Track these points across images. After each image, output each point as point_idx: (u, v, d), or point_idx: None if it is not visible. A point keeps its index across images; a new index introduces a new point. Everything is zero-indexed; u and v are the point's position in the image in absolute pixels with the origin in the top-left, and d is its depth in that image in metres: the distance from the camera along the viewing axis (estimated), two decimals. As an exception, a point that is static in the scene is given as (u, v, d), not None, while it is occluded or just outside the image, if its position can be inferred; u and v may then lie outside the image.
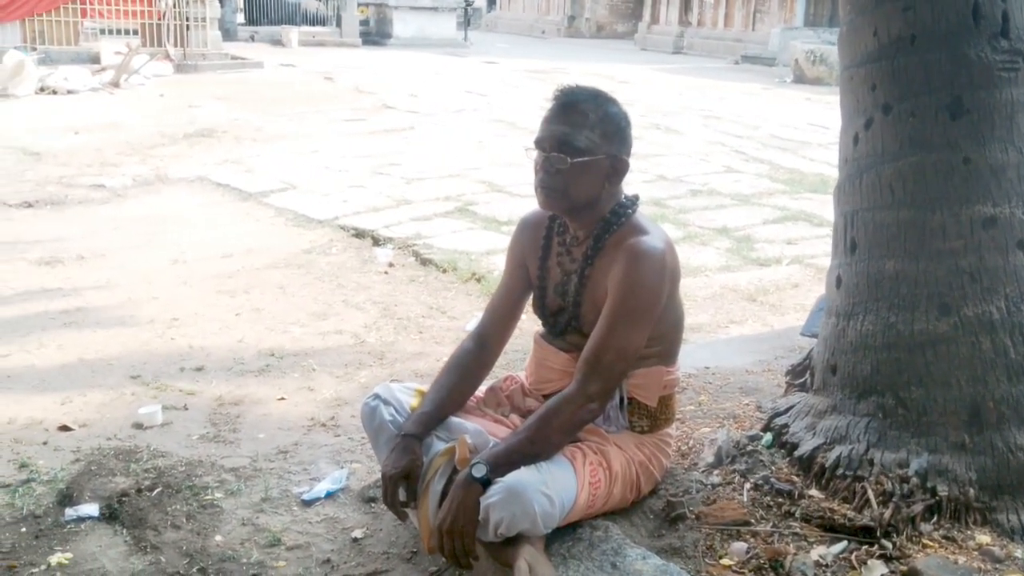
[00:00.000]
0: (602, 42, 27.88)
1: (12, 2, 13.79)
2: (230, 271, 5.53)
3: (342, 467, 3.23)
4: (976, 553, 2.20)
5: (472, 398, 2.61)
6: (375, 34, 23.50)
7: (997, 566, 2.15)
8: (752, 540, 2.29)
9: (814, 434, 2.59)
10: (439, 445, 2.39)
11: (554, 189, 2.38)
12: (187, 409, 3.72)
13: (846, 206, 2.68)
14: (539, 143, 2.39)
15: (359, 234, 6.33)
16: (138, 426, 3.55)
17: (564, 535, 2.30)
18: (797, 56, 17.37)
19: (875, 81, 2.57)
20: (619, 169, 2.39)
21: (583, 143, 2.33)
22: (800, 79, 16.98)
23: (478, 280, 5.34)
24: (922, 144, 2.48)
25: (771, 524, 2.35)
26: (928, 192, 2.46)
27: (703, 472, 2.62)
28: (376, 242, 6.15)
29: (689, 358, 3.61)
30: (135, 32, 15.08)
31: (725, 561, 2.23)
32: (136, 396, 3.82)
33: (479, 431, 2.40)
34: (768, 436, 2.73)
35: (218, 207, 7.10)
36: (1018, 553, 2.20)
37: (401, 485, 2.34)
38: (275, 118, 10.62)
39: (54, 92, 11.53)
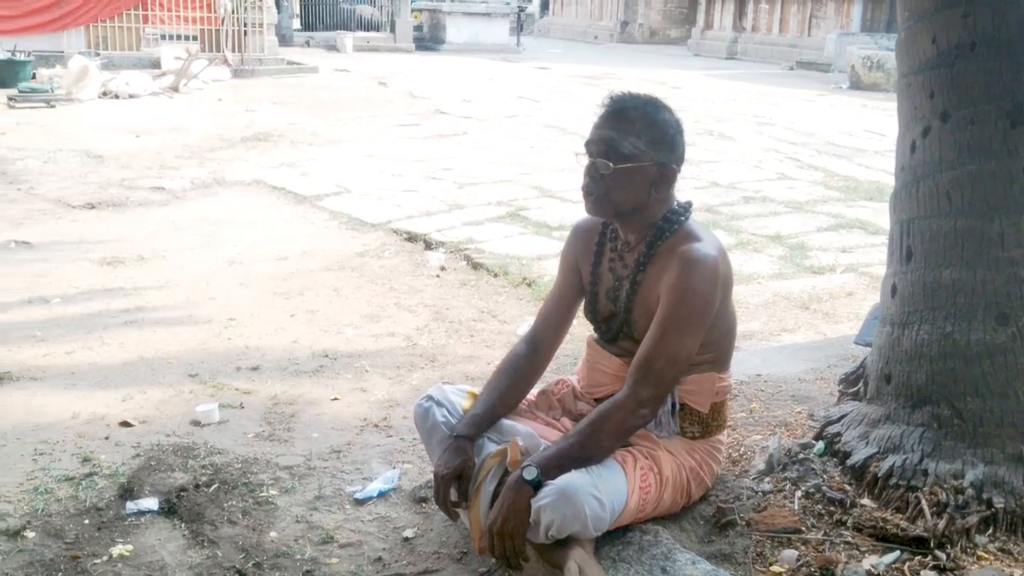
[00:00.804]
0: (655, 47, 27.79)
1: (78, 8, 14.14)
2: (285, 273, 5.62)
3: (394, 467, 3.28)
4: (1032, 566, 2.17)
5: (524, 401, 2.63)
6: (428, 39, 23.68)
7: (1055, 580, 2.12)
8: (803, 548, 2.28)
9: (867, 443, 2.57)
10: (491, 447, 2.42)
11: (598, 194, 2.40)
12: (243, 408, 3.79)
13: (902, 214, 2.66)
14: (587, 147, 2.42)
15: (411, 238, 6.39)
16: (196, 423, 3.63)
17: (614, 538, 2.31)
18: (853, 62, 17.15)
19: (933, 88, 2.55)
20: (666, 176, 2.39)
21: (627, 149, 2.34)
22: (856, 85, 16.77)
23: (529, 285, 5.37)
24: (981, 152, 2.45)
25: (822, 532, 2.34)
26: (987, 200, 2.44)
27: (754, 479, 2.62)
28: (428, 246, 6.21)
29: (741, 365, 3.60)
30: (194, 38, 15.36)
31: (775, 568, 2.22)
32: (194, 394, 3.91)
33: (531, 434, 2.43)
34: (820, 444, 2.72)
35: (274, 210, 7.22)
36: (1077, 567, 2.16)
37: (453, 485, 2.37)
38: (330, 122, 10.76)
39: (116, 96, 11.80)
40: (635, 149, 2.34)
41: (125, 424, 3.61)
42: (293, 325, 4.76)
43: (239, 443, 3.48)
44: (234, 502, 3.04)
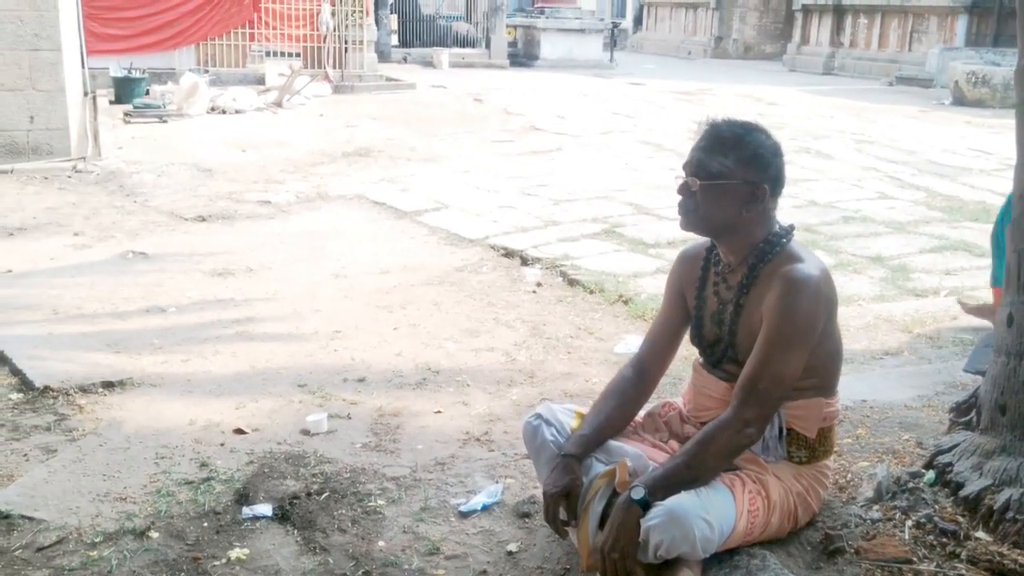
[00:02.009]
0: (750, 63, 27.47)
1: (189, 28, 14.69)
2: (387, 287, 5.76)
3: (497, 481, 3.34)
4: None
5: (631, 423, 2.67)
6: (523, 55, 23.86)
7: None
8: (914, 578, 2.27)
9: (981, 474, 2.53)
10: (599, 467, 2.46)
11: (687, 210, 2.48)
12: (350, 418, 3.91)
13: (1020, 243, 2.62)
14: (683, 168, 2.48)
15: (508, 253, 6.47)
16: (305, 432, 3.76)
17: (722, 561, 2.33)
18: (957, 77, 16.68)
19: (1054, 114, 2.52)
20: (757, 196, 2.42)
21: (716, 167, 2.41)
22: (960, 101, 16.30)
23: (625, 302, 5.39)
24: (1104, 181, 2.41)
25: (935, 564, 2.32)
26: (1108, 231, 2.39)
27: (862, 506, 2.60)
28: (525, 262, 6.29)
29: (845, 390, 3.55)
30: (297, 55, 15.80)
31: (886, 598, 2.21)
32: (303, 404, 4.05)
33: (639, 455, 2.46)
34: (931, 474, 2.69)
35: (375, 224, 7.39)
36: None
37: (561, 504, 2.43)
38: (427, 138, 10.96)
39: (223, 112, 12.22)
40: (723, 168, 2.41)
41: (239, 431, 3.76)
42: (396, 338, 4.88)
43: (347, 453, 3.60)
44: (344, 510, 3.14)
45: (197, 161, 9.45)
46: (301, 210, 7.82)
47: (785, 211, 7.59)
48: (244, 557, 2.89)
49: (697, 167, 2.45)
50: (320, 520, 3.08)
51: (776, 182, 2.46)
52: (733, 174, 2.41)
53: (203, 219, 7.46)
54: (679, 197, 2.52)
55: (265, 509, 3.14)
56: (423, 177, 8.92)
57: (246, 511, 3.13)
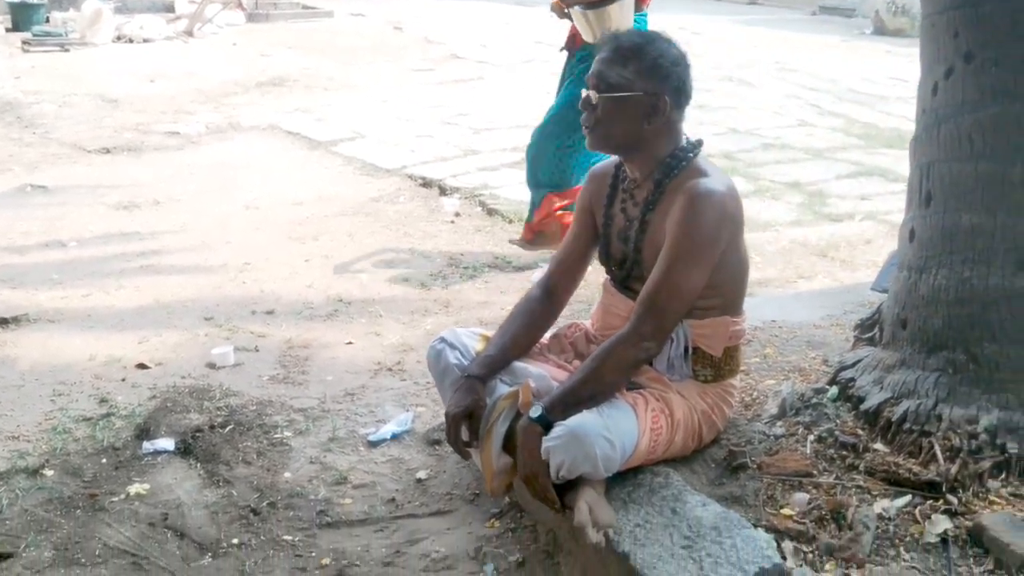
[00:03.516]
0: (675, -8, 27.30)
1: (91, -49, 13.98)
2: (300, 218, 5.62)
3: (407, 410, 3.30)
4: (1045, 511, 2.16)
5: (536, 345, 2.63)
6: (445, -17, 23.31)
7: (1066, 525, 2.11)
8: (814, 491, 2.28)
9: (881, 388, 2.55)
10: (503, 388, 2.42)
11: (590, 126, 2.41)
12: (258, 351, 3.82)
13: (923, 157, 2.61)
14: (586, 80, 2.41)
15: (426, 183, 6.36)
16: (211, 366, 3.66)
17: (625, 480, 2.32)
18: (878, 7, 16.79)
19: (958, 28, 2.49)
20: (659, 107, 2.35)
21: (614, 79, 2.35)
22: (880, 31, 16.43)
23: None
24: (1005, 94, 2.39)
25: (834, 476, 2.34)
26: (1009, 143, 2.38)
27: (766, 423, 2.61)
28: (443, 192, 6.18)
29: (756, 311, 3.57)
30: (209, -19, 15.18)
31: (786, 511, 2.22)
32: (209, 337, 3.93)
33: (543, 376, 2.43)
34: (834, 389, 2.70)
35: (289, 155, 7.19)
36: (1089, 513, 2.15)
37: (464, 424, 2.38)
38: (345, 67, 10.66)
39: (130, 40, 11.71)
40: (622, 79, 2.34)
41: (141, 366, 3.65)
42: (308, 270, 4.77)
43: (254, 385, 3.51)
44: (249, 443, 3.07)
45: (102, 91, 9.06)
46: (212, 141, 7.56)
47: (707, 138, 7.55)
48: (144, 492, 2.82)
49: (598, 80, 2.37)
50: (224, 453, 3.01)
51: (679, 92, 2.39)
52: (633, 85, 2.34)
53: (108, 151, 7.18)
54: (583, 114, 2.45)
55: (167, 444, 3.05)
56: (339, 107, 8.69)
57: (146, 446, 3.04)
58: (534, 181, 4.77)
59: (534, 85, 10.09)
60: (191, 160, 7.00)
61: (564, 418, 2.18)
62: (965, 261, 2.43)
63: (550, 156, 4.64)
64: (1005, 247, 2.37)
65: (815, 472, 2.35)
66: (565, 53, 4.85)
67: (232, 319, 4.12)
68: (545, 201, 4.72)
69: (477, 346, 2.55)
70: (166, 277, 4.63)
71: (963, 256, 2.44)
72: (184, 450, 3.04)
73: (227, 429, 3.13)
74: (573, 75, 4.64)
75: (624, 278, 2.55)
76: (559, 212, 4.70)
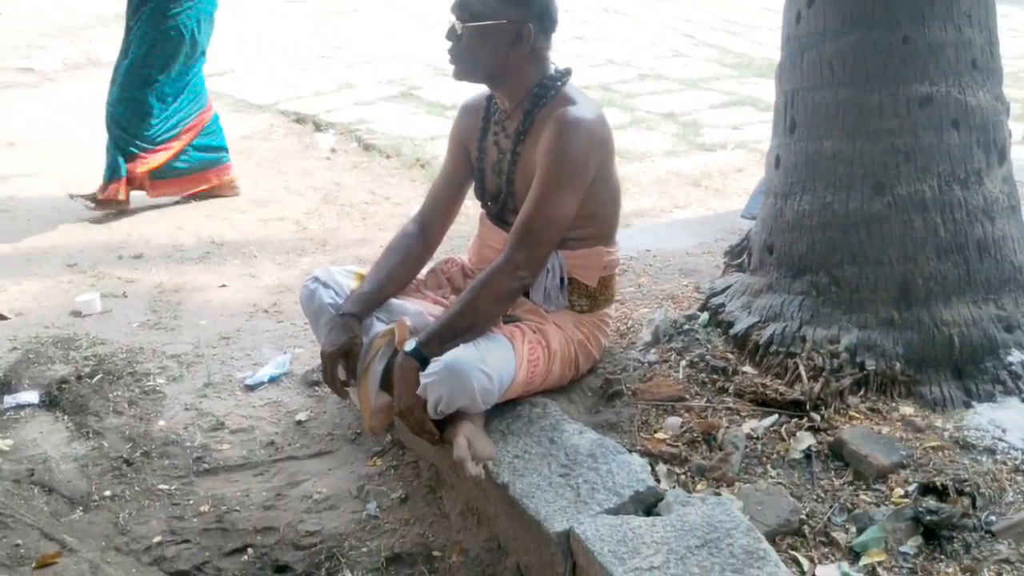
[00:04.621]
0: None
1: None
2: (168, 158, 5.39)
3: (285, 352, 3.24)
4: (899, 424, 2.27)
5: (413, 281, 2.60)
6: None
7: (918, 435, 2.23)
8: (687, 415, 2.34)
9: (749, 313, 2.63)
10: (380, 326, 2.39)
11: (455, 56, 2.37)
12: (126, 297, 3.68)
13: (787, 85, 2.66)
14: (451, 10, 2.35)
15: (300, 119, 6.20)
16: (76, 314, 3.51)
17: (503, 412, 2.33)
18: (750, -63, 17.00)
19: (819, -44, 2.53)
20: (523, 35, 2.32)
21: (477, 7, 2.30)
22: (752, -39, 16.66)
23: (422, 166, 5.28)
24: (863, 22, 2.45)
25: (705, 399, 2.40)
26: (867, 71, 2.45)
27: (641, 351, 2.66)
28: (318, 127, 6.04)
29: (631, 241, 3.63)
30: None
31: (660, 435, 2.28)
32: (73, 284, 3.77)
33: (419, 312, 2.40)
34: (705, 315, 2.77)
35: (154, 92, 6.87)
36: (939, 423, 2.28)
37: (340, 363, 2.34)
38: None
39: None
40: (485, 7, 2.29)
41: (0, 317, 3.47)
42: (177, 211, 4.60)
43: (123, 333, 3.39)
44: (120, 392, 2.97)
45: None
46: (69, 78, 7.18)
47: (584, 70, 7.56)
48: (7, 448, 2.70)
49: (461, 9, 2.32)
50: (93, 404, 2.90)
51: (543, 19, 2.35)
52: (495, 13, 2.29)
53: (-46, 90, 6.74)
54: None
55: (30, 396, 2.93)
56: (208, 40, 8.34)
57: (8, 400, 2.91)
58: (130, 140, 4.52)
59: (411, 15, 9.90)
60: (48, 99, 6.63)
61: (441, 353, 2.16)
62: (827, 186, 2.51)
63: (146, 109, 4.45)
64: (863, 172, 2.46)
65: (687, 396, 2.41)
66: None
67: (97, 265, 3.95)
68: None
69: (352, 284, 2.50)
70: (24, 224, 4.40)
71: (825, 182, 2.51)
72: (49, 403, 2.92)
73: (95, 379, 3.02)
74: (139, 17, 4.38)
75: (499, 211, 2.54)
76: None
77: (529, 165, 2.37)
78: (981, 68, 2.48)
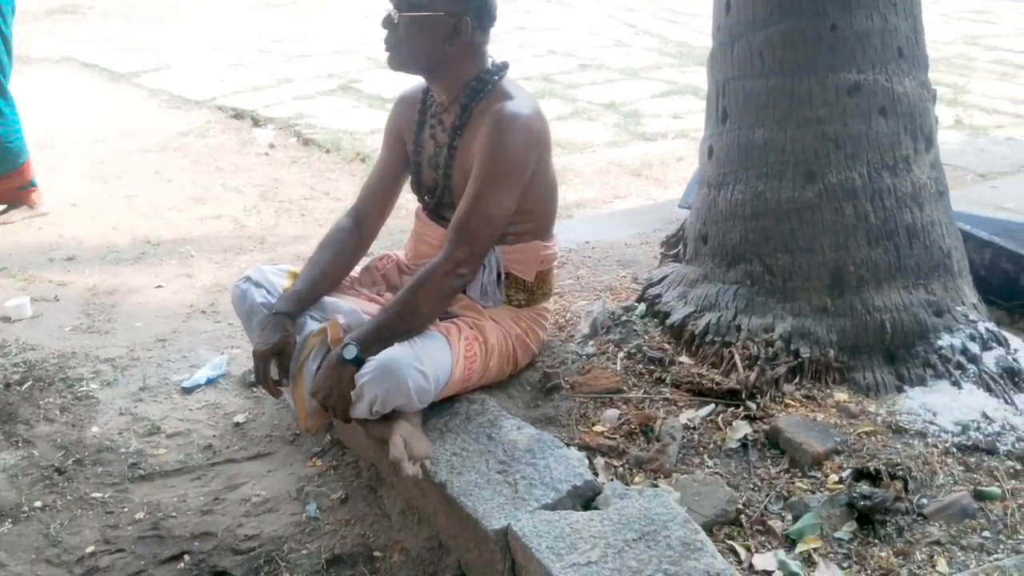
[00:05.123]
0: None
1: None
2: (102, 156, 5.29)
3: (222, 353, 3.19)
4: (834, 410, 2.30)
5: (347, 278, 2.56)
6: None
7: (852, 421, 2.26)
8: (624, 407, 2.35)
9: (685, 303, 2.64)
10: (313, 325, 2.35)
11: (391, 46, 2.33)
12: (58, 300, 3.60)
13: (719, 75, 2.67)
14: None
15: (238, 115, 6.10)
16: (5, 319, 3.42)
17: (441, 410, 2.32)
18: (689, -74, 17.10)
19: (747, -54, 2.54)
20: (461, 29, 2.29)
21: None
22: (692, -50, 16.77)
23: (362, 160, 5.23)
24: (791, 11, 2.47)
25: (643, 391, 2.41)
26: (796, 60, 2.47)
27: (579, 343, 2.66)
28: (256, 123, 5.95)
29: (571, 233, 3.63)
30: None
31: (598, 428, 2.28)
32: (2, 288, 3.68)
33: (353, 310, 2.37)
34: (642, 306, 2.78)
35: (87, 89, 6.74)
36: (872, 408, 2.31)
37: (272, 362, 2.30)
38: (146, -8, 10.03)
39: None
40: None
41: (-76, 324, 3.38)
42: (111, 211, 4.51)
43: (55, 337, 3.31)
44: (51, 399, 2.90)
45: None
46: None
47: (524, 61, 7.54)
48: (-71, 461, 2.61)
49: None
50: (22, 412, 2.83)
51: (481, 13, 2.32)
52: (434, 4, 2.26)
53: None
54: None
55: (-44, 406, 2.84)
56: (142, 35, 8.18)
57: (-69, 411, 2.82)
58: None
59: (349, 8, 9.80)
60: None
61: (377, 353, 2.14)
62: (759, 176, 2.52)
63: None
64: (795, 160, 2.48)
65: (625, 388, 2.41)
66: None
67: (27, 268, 3.85)
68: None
69: (285, 283, 2.46)
70: (-50, 226, 4.28)
71: (757, 171, 2.53)
72: (-24, 412, 2.83)
73: (25, 386, 2.94)
74: None
75: (436, 206, 2.52)
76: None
77: (466, 159, 2.35)
78: (907, 56, 2.51)
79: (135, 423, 2.82)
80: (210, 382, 3.03)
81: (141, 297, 3.65)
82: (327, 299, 2.43)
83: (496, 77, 2.39)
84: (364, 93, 6.68)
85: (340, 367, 2.15)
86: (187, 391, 2.99)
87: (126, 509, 2.46)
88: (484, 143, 2.28)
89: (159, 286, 3.74)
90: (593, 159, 5.33)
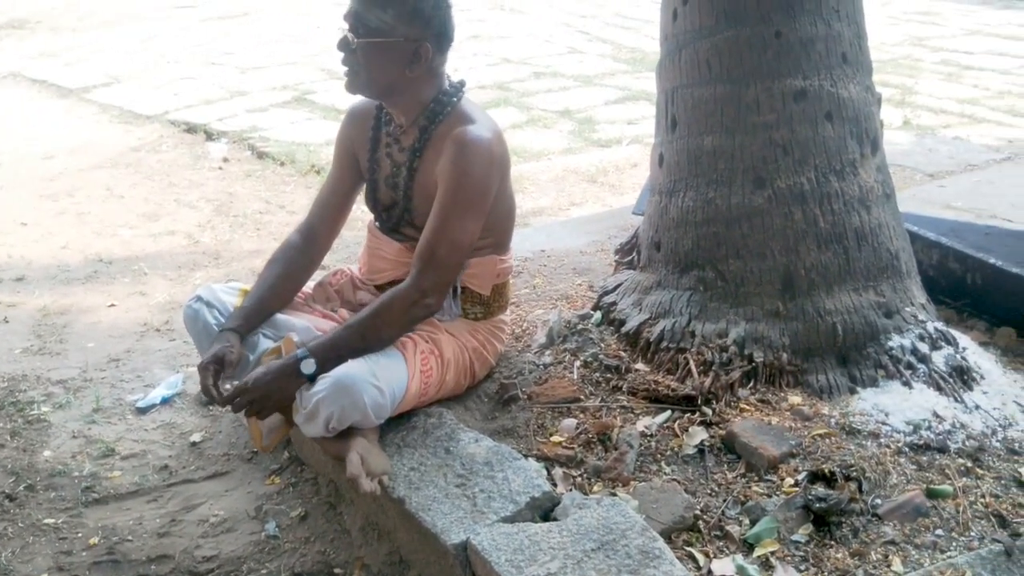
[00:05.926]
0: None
1: None
2: (51, 173, 5.22)
3: (177, 371, 3.15)
4: (788, 413, 2.32)
5: (300, 294, 2.54)
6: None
7: (806, 424, 2.28)
8: (582, 416, 2.35)
9: (640, 310, 2.65)
10: (266, 343, 2.34)
11: (349, 70, 2.31)
12: (7, 322, 3.54)
13: (667, 83, 2.69)
14: (344, 18, 2.29)
15: (191, 129, 6.04)
16: (-48, 344, 3.36)
17: (398, 425, 2.31)
18: (641, -68, 17.23)
19: (692, -45, 2.56)
20: (421, 54, 2.27)
21: (374, 23, 2.22)
22: (644, -45, 16.89)
23: (317, 172, 5.20)
24: (736, 18, 2.50)
25: (599, 399, 2.42)
26: (743, 67, 2.50)
27: (536, 353, 2.66)
28: (209, 137, 5.90)
29: (527, 242, 3.63)
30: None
31: (555, 438, 2.29)
32: (-51, 312, 3.60)
33: (307, 327, 2.36)
34: (598, 315, 2.79)
35: (35, 105, 6.65)
36: (825, 411, 2.33)
37: (213, 371, 2.26)
38: (96, 3, 9.90)
39: None
40: (382, 23, 2.22)
41: None
42: (62, 229, 4.44)
43: (4, 360, 3.26)
44: (1, 424, 2.85)
45: None
46: None
47: (480, 69, 7.53)
48: None
49: (356, 21, 2.24)
50: (-29, 438, 2.77)
51: (441, 38, 2.31)
52: (393, 31, 2.23)
53: None
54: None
55: (-100, 435, 2.78)
56: (92, 49, 8.08)
57: None
58: None
59: (303, 19, 9.75)
60: None
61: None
62: (709, 183, 2.55)
63: None
64: (744, 167, 2.50)
65: (582, 397, 2.42)
66: None
67: (-25, 290, 3.79)
68: None
69: (236, 301, 2.44)
70: None
71: (707, 178, 2.55)
72: (-77, 440, 2.78)
73: (-26, 411, 2.89)
74: None
75: (394, 224, 2.50)
76: None
77: (428, 179, 2.34)
78: (851, 61, 2.55)
79: (88, 446, 2.78)
80: (165, 401, 2.99)
81: (93, 316, 3.60)
82: (280, 316, 2.42)
83: (455, 99, 2.38)
84: (318, 104, 6.64)
85: (290, 377, 2.13)
86: (142, 411, 2.95)
87: (80, 534, 2.42)
88: (448, 170, 2.27)
89: (112, 305, 3.69)
90: (549, 167, 5.34)
